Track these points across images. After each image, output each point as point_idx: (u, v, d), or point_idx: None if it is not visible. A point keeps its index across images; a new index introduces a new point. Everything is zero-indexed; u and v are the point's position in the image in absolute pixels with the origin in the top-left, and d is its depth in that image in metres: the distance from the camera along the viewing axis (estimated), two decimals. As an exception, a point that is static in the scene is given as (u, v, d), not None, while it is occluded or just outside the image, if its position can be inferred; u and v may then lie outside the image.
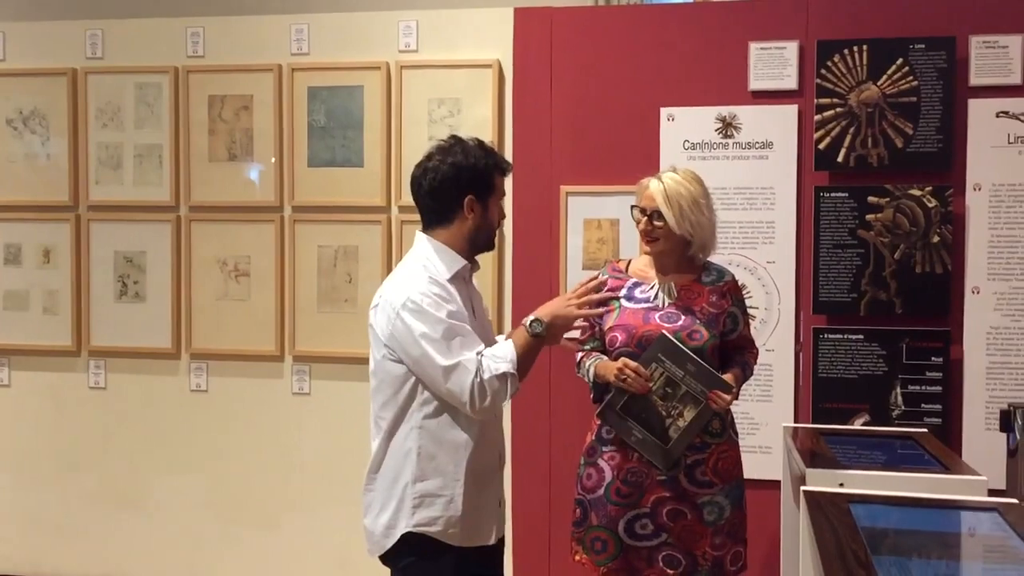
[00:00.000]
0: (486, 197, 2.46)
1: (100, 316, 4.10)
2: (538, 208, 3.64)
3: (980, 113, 3.38)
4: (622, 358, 2.62)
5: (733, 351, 2.75)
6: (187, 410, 4.07)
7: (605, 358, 2.70)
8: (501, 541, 2.57)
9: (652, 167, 3.41)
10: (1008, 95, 3.36)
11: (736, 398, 2.66)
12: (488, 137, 3.11)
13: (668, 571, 2.65)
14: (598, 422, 2.73)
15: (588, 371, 2.71)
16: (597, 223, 3.62)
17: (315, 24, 3.95)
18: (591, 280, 2.57)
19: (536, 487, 3.65)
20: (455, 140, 2.49)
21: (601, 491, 2.68)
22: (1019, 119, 3.36)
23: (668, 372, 2.60)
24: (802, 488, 2.27)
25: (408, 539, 2.41)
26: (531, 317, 2.42)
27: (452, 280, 2.43)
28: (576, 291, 2.51)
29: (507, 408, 2.60)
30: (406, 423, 2.41)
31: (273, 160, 3.96)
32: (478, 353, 2.34)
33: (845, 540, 1.83)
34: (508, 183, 2.61)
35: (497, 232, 2.56)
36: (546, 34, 3.65)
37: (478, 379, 2.31)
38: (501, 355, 2.35)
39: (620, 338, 2.66)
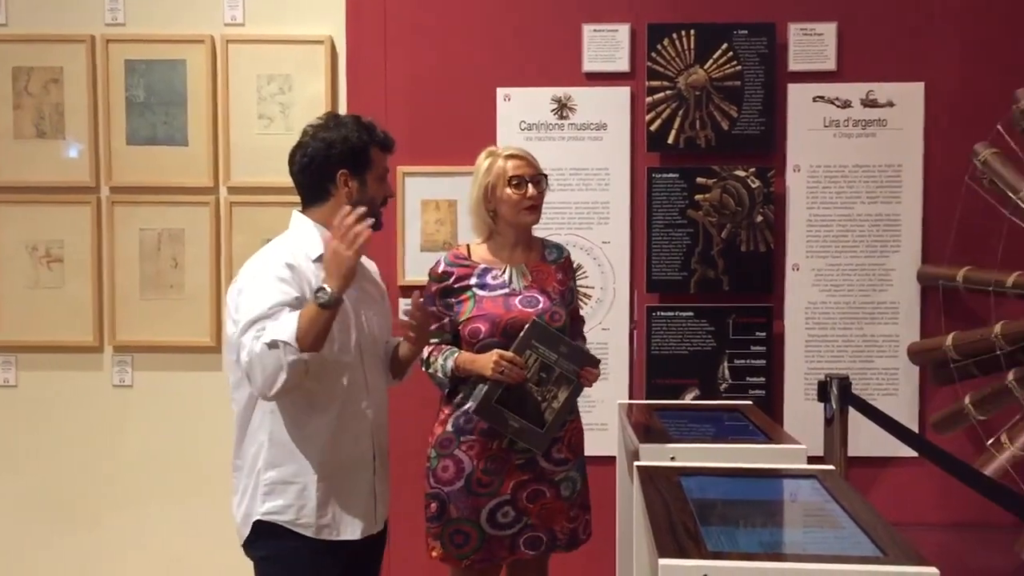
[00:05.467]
0: (362, 173, 2.38)
1: None
2: (374, 189, 3.56)
3: (799, 97, 3.53)
4: (496, 350, 2.54)
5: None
6: (-5, 407, 3.77)
7: (459, 351, 2.63)
8: (380, 536, 2.48)
9: (489, 147, 3.40)
10: (824, 80, 3.53)
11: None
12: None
13: (530, 553, 2.64)
14: (447, 412, 2.66)
15: (443, 366, 2.62)
16: (435, 204, 3.57)
17: (132, -8, 3.71)
18: (348, 215, 2.26)
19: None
20: (330, 116, 2.43)
21: (461, 482, 2.61)
22: (834, 103, 3.54)
23: (542, 357, 2.56)
24: (635, 463, 2.31)
25: (261, 528, 2.32)
26: (317, 287, 2.22)
27: (322, 260, 2.33)
28: (338, 232, 2.23)
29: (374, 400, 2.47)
30: (260, 407, 2.32)
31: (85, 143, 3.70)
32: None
33: (676, 512, 1.87)
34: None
35: (382, 211, 2.45)
36: (380, 11, 3.56)
37: (256, 350, 2.16)
38: (280, 325, 2.18)
39: (484, 329, 2.59)
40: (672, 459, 2.41)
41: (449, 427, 2.65)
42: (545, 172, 2.69)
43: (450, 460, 2.63)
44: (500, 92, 3.54)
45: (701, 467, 2.24)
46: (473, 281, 2.65)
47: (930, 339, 3.50)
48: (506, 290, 2.64)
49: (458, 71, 3.55)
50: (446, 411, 2.67)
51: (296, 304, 2.24)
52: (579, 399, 2.70)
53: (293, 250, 2.34)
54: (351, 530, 2.36)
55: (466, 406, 2.62)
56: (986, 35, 3.49)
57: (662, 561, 1.62)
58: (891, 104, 3.52)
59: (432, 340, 2.66)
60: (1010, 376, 3.18)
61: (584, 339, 2.82)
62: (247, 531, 2.35)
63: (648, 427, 2.80)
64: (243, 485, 2.36)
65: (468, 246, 2.75)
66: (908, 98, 3.51)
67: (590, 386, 2.66)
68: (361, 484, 2.40)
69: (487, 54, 3.55)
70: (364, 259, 2.49)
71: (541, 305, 2.62)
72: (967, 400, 3.33)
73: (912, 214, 3.54)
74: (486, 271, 2.67)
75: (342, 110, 3.61)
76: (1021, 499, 2.17)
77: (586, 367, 2.60)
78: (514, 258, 2.69)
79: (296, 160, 2.39)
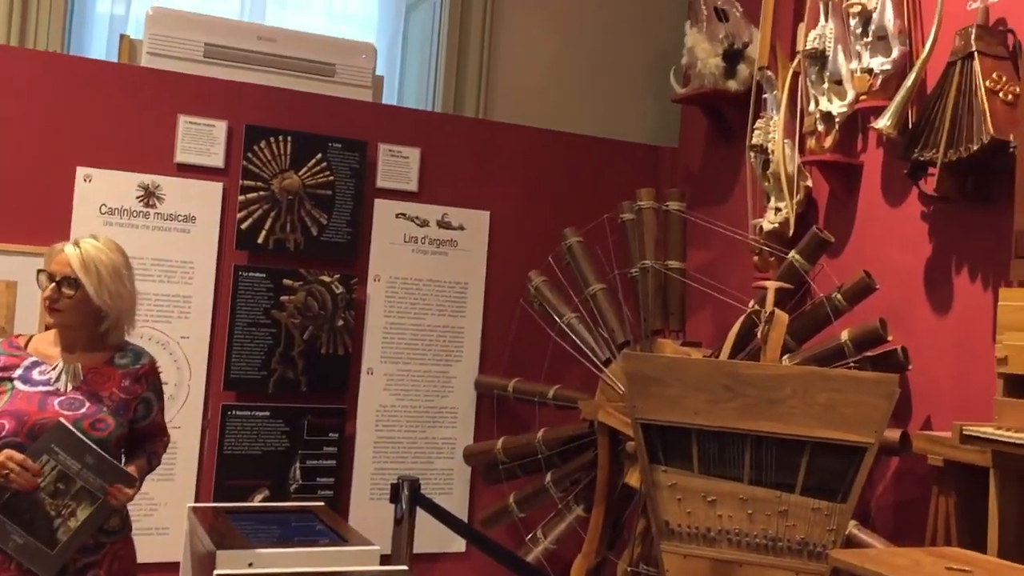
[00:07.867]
0: None
1: None
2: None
3: (384, 212, 3.78)
4: (6, 450, 2.27)
5: (142, 439, 2.55)
6: None
7: None
8: None
9: (63, 228, 3.18)
10: (406, 199, 3.82)
11: (138, 491, 2.48)
12: None
13: None
14: None
15: None
16: (-10, 283, 3.21)
17: None
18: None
19: None
20: None
21: None
22: (414, 221, 3.83)
23: (62, 465, 2.31)
24: (214, 572, 2.26)
25: None
26: None
27: None
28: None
29: None
30: None
31: None
32: None
33: (263, 623, 1.87)
34: None
35: None
36: (-60, 61, 3.19)
37: None
38: None
39: (8, 426, 2.32)
40: (250, 565, 2.39)
41: None
42: (75, 277, 2.40)
43: None
44: (80, 171, 3.33)
45: (283, 573, 2.25)
46: (17, 373, 2.40)
47: (483, 442, 3.85)
48: (48, 388, 2.40)
49: (32, 142, 3.27)
50: None
51: None
52: (139, 503, 2.49)
53: None
54: None
55: None
56: (542, 181, 4.04)
57: (256, 676, 1.62)
58: (462, 228, 3.90)
59: None
60: (548, 477, 3.62)
61: (155, 458, 2.59)
62: None
63: (222, 532, 2.74)
64: None
65: (32, 336, 2.51)
66: (476, 224, 3.93)
67: (120, 506, 2.42)
68: None
69: (68, 129, 3.32)
70: None
71: (84, 410, 2.39)
72: (511, 499, 3.71)
73: (474, 328, 3.91)
74: (35, 364, 2.43)
75: None
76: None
77: (117, 484, 2.37)
78: (72, 355, 2.46)
79: None
